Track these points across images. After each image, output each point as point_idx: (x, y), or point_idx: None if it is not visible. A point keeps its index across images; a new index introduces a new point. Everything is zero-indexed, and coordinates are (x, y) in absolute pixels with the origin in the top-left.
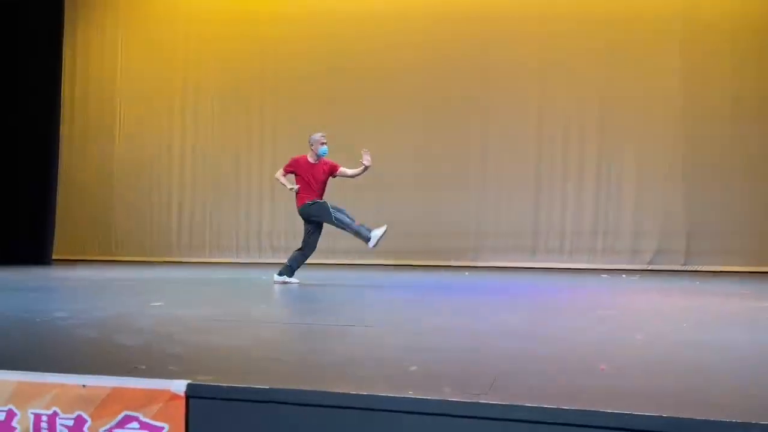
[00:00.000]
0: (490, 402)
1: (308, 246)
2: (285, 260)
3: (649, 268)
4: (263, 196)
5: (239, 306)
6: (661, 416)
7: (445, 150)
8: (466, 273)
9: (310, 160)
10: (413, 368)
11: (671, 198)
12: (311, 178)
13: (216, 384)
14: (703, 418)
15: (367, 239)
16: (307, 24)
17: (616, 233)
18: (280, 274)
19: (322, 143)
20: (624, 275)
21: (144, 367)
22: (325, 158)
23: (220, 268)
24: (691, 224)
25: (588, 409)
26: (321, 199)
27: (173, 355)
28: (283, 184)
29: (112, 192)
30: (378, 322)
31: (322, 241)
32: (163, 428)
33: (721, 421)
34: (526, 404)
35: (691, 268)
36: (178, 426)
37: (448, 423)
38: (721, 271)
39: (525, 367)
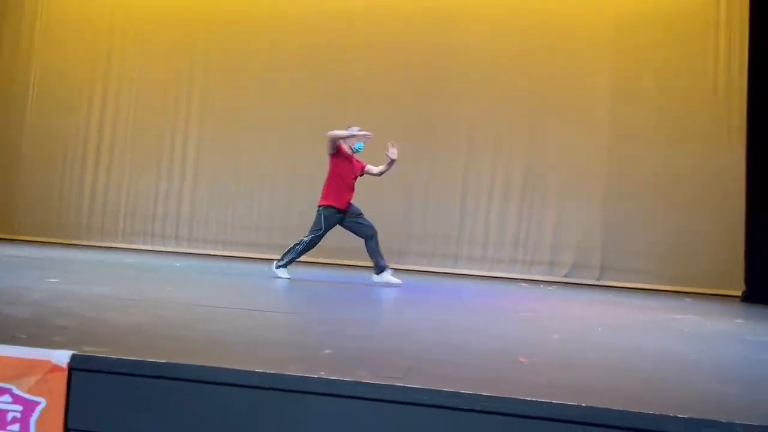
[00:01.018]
0: (405, 385)
1: (365, 230)
2: (204, 251)
3: (565, 280)
4: (185, 183)
5: (145, 287)
6: (580, 405)
7: (374, 154)
8: None
9: (348, 151)
10: (327, 351)
11: (590, 215)
12: (347, 171)
13: (104, 356)
14: (619, 409)
15: (277, 265)
16: (240, 4)
17: (536, 246)
18: (379, 273)
19: (359, 139)
20: (542, 285)
21: (24, 336)
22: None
23: (132, 254)
24: (607, 242)
25: (507, 396)
26: (350, 195)
27: (61, 327)
28: (353, 135)
29: (17, 166)
30: (296, 310)
31: (241, 234)
32: (39, 403)
33: (636, 412)
34: (444, 389)
35: (605, 283)
36: (57, 401)
37: (358, 406)
38: (632, 288)
39: (444, 356)
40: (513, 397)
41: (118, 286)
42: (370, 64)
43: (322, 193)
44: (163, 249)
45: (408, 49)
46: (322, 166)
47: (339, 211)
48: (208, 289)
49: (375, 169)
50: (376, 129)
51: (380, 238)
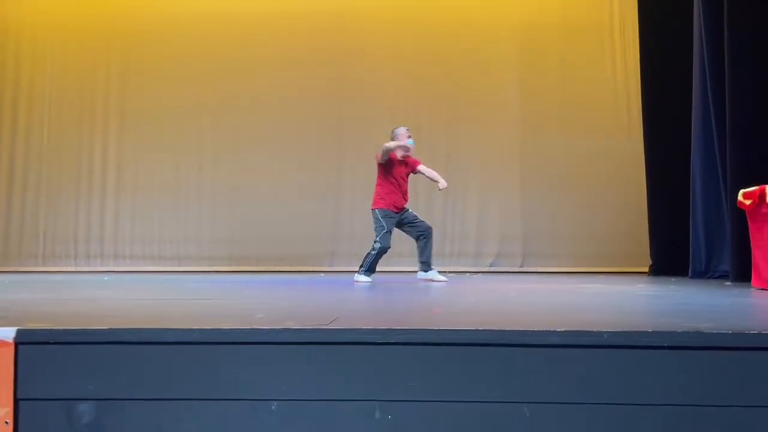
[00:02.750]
0: (330, 327)
1: (420, 229)
2: (132, 268)
3: (490, 269)
4: (106, 199)
5: (75, 293)
6: (478, 329)
7: (301, 159)
8: (321, 274)
9: (398, 155)
10: (259, 315)
11: (510, 206)
12: (399, 175)
13: (49, 328)
14: (511, 329)
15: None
16: (155, 16)
17: (461, 238)
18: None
19: (409, 136)
20: (467, 275)
21: None
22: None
23: (55, 275)
24: (527, 230)
25: (418, 328)
26: (406, 199)
27: (1, 316)
28: (397, 147)
29: None
30: (229, 298)
31: (169, 248)
32: None
33: (524, 330)
34: (363, 327)
35: (527, 269)
36: (5, 376)
37: (290, 351)
38: (552, 272)
39: (366, 311)
40: (422, 328)
41: (48, 293)
42: (284, 70)
43: (378, 197)
44: (88, 269)
45: (332, 59)
46: (244, 174)
47: (395, 212)
48: (141, 290)
49: (426, 173)
50: (298, 134)
51: (310, 240)
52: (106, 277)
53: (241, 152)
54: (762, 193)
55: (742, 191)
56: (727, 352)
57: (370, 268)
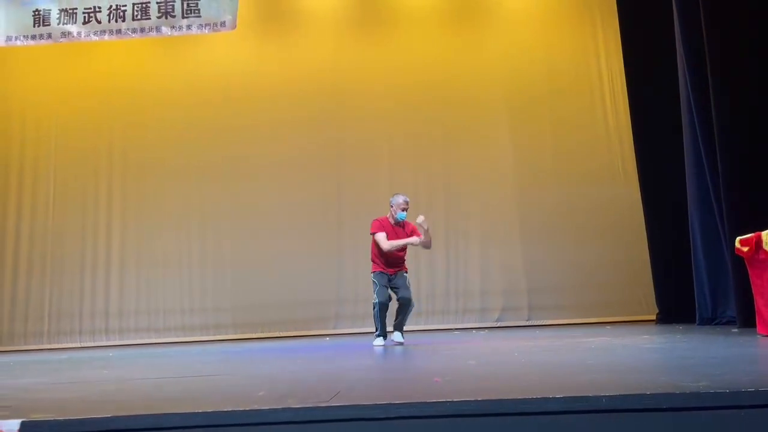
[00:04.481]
0: (329, 405)
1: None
2: (138, 341)
3: (497, 325)
4: (110, 273)
5: (80, 374)
6: (477, 400)
7: (302, 223)
8: (327, 338)
9: (391, 221)
10: (261, 393)
11: (512, 260)
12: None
13: (52, 419)
14: (509, 398)
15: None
16: (152, 96)
17: (466, 295)
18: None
19: (403, 209)
20: (473, 331)
21: None
22: (407, 222)
23: (60, 352)
24: (531, 283)
25: (416, 401)
26: (401, 267)
27: (4, 398)
28: (408, 244)
29: None
30: (231, 373)
31: (174, 319)
32: None
33: (521, 398)
34: (363, 403)
35: (535, 323)
36: None
37: (293, 431)
38: (560, 324)
39: (368, 381)
40: (421, 401)
41: (52, 375)
42: (283, 135)
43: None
44: (93, 345)
45: (331, 122)
46: (246, 242)
47: (385, 272)
48: (145, 368)
49: (416, 240)
50: (298, 198)
51: (314, 304)
52: (111, 353)
53: (243, 218)
54: (758, 240)
55: (738, 238)
56: (726, 411)
57: (379, 328)
